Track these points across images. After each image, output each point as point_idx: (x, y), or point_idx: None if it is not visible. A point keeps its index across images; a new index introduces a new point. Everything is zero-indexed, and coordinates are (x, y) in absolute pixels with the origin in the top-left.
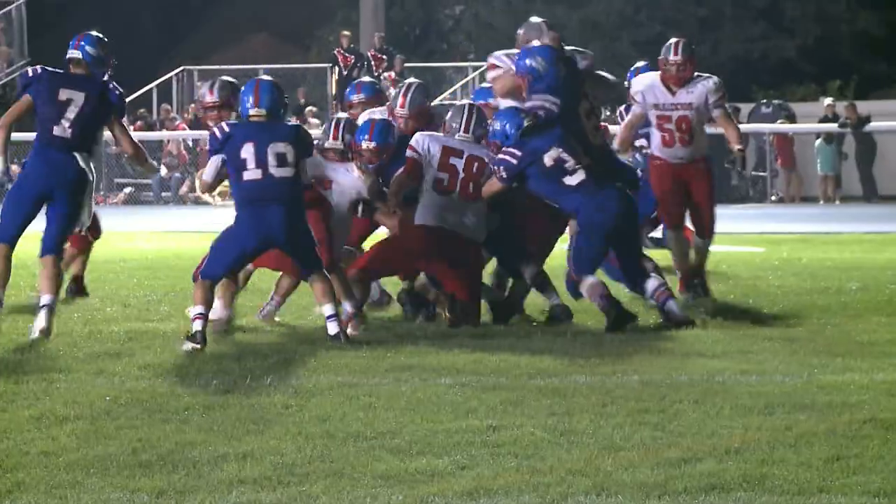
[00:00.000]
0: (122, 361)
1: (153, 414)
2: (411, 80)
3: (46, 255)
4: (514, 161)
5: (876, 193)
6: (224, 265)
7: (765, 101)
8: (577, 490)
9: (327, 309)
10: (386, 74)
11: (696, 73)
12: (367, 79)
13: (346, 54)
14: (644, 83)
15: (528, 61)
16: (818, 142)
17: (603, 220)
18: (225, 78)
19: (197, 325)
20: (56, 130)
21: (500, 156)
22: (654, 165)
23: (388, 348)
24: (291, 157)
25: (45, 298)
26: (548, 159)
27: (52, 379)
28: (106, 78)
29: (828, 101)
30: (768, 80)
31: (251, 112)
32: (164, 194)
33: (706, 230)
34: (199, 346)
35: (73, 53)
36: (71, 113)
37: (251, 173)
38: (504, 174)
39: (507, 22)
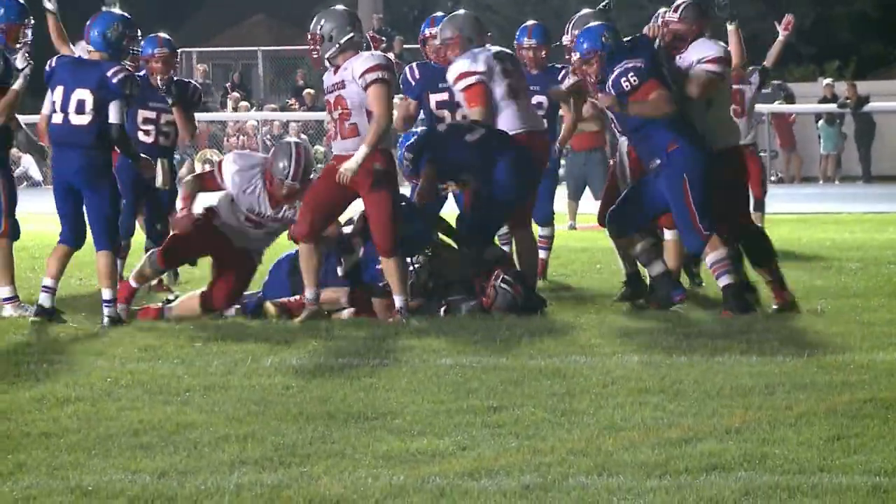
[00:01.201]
0: (122, 343)
1: (154, 395)
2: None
3: None
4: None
5: (870, 173)
6: (63, 222)
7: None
8: (578, 470)
9: (105, 293)
10: None
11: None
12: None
13: None
14: None
15: (598, 40)
16: (820, 122)
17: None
18: (337, 8)
19: (43, 300)
20: None
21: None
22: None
23: (389, 329)
24: (90, 104)
25: None
26: None
27: (52, 360)
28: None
29: (826, 81)
30: (765, 59)
31: (87, 48)
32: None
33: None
34: (47, 317)
35: None
36: None
37: (56, 117)
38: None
39: (505, 3)
